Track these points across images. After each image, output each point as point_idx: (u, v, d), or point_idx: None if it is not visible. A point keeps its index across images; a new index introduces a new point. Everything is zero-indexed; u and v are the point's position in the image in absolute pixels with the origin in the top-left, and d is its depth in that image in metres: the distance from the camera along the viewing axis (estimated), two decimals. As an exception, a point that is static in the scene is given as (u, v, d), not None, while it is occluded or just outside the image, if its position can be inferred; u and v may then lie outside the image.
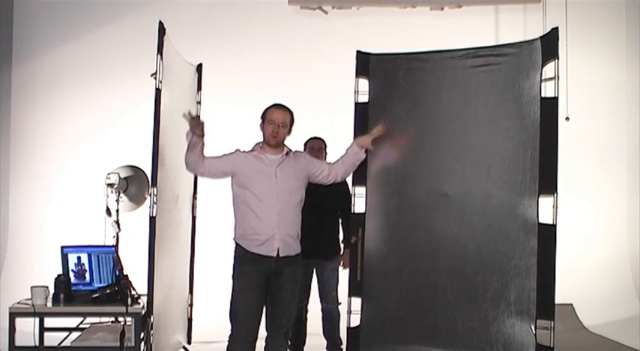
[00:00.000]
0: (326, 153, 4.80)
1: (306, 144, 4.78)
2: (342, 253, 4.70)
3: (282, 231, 3.70)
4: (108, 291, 3.96)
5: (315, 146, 4.74)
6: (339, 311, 4.71)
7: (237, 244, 3.75)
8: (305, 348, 4.75)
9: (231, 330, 3.69)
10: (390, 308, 4.31)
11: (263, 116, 3.84)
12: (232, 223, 3.82)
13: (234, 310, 3.68)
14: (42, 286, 4.01)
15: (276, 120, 3.80)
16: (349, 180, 4.50)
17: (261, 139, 3.86)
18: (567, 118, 5.48)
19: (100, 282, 4.17)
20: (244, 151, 3.85)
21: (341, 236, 4.76)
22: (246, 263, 3.69)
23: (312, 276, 4.69)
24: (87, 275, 4.19)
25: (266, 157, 3.78)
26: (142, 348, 3.96)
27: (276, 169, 3.75)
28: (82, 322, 4.38)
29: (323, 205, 4.42)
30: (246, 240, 3.70)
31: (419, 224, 4.29)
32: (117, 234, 4.11)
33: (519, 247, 3.93)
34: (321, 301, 4.71)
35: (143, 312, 3.94)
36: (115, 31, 6.36)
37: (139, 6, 6.33)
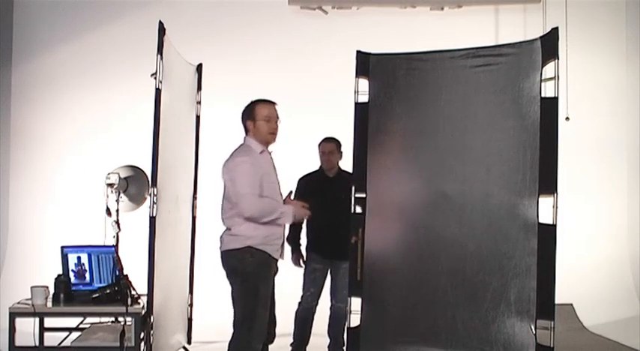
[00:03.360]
0: (341, 153, 4.73)
1: (319, 145, 4.71)
2: None
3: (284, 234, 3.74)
4: (108, 291, 3.96)
5: (327, 150, 4.65)
6: (346, 311, 4.68)
7: (257, 250, 3.55)
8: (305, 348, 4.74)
9: (248, 333, 3.54)
10: (390, 308, 4.31)
11: (251, 114, 3.65)
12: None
13: (256, 314, 3.53)
14: (42, 286, 4.00)
15: (273, 116, 3.64)
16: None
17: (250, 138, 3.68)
18: (567, 118, 5.48)
19: (100, 282, 4.17)
20: (246, 153, 3.65)
21: None
22: (269, 269, 3.61)
23: (326, 277, 4.68)
24: (87, 275, 4.19)
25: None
26: (142, 348, 3.95)
27: (275, 170, 3.74)
28: (82, 322, 4.37)
29: (337, 204, 4.38)
30: (268, 245, 3.58)
31: (419, 224, 4.29)
32: (117, 234, 4.11)
33: (519, 247, 3.93)
34: (332, 299, 4.68)
35: (143, 312, 3.94)
36: (115, 31, 6.36)
37: (139, 6, 6.33)
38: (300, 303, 4.64)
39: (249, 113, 3.67)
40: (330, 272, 4.69)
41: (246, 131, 3.71)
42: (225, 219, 3.67)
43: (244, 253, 3.56)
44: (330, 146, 4.67)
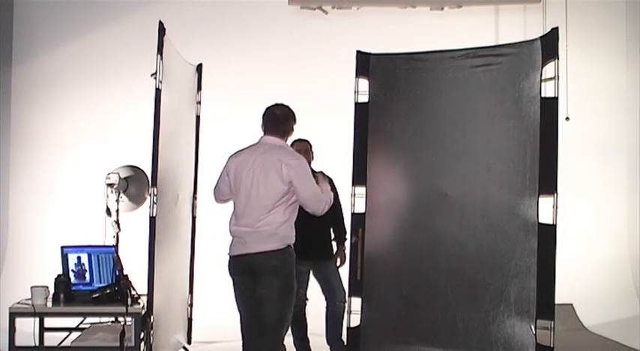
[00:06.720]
0: (312, 152, 4.73)
1: (292, 146, 4.70)
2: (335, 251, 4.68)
3: None
4: (108, 291, 3.96)
5: (302, 149, 4.67)
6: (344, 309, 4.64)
7: (292, 249, 3.62)
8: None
9: (282, 330, 3.63)
10: (390, 308, 4.32)
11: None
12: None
13: (290, 312, 3.66)
14: (42, 286, 4.00)
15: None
16: (347, 180, 4.50)
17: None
18: (567, 118, 5.48)
19: (100, 282, 4.17)
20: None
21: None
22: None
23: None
24: (87, 275, 4.19)
25: None
26: (142, 348, 3.95)
27: None
28: (82, 322, 4.37)
29: None
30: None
31: (419, 224, 4.29)
32: (117, 234, 4.11)
33: (519, 247, 3.94)
34: (328, 299, 4.60)
35: (143, 312, 3.94)
36: (115, 31, 6.35)
37: (139, 6, 6.33)
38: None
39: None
40: (314, 273, 4.67)
41: (283, 137, 3.80)
42: (263, 216, 3.56)
43: (285, 253, 3.57)
44: (304, 145, 4.64)
